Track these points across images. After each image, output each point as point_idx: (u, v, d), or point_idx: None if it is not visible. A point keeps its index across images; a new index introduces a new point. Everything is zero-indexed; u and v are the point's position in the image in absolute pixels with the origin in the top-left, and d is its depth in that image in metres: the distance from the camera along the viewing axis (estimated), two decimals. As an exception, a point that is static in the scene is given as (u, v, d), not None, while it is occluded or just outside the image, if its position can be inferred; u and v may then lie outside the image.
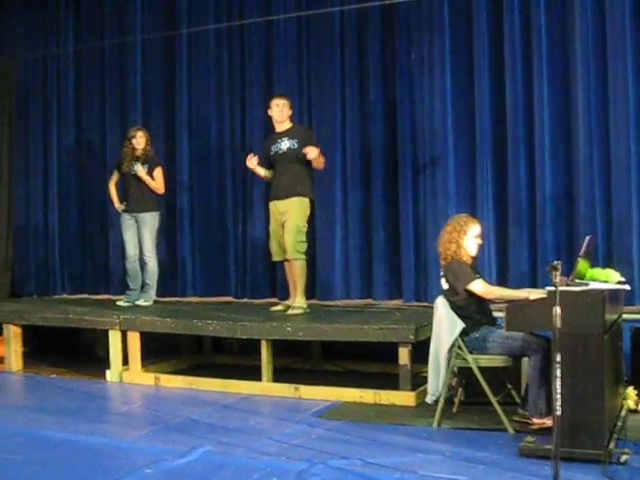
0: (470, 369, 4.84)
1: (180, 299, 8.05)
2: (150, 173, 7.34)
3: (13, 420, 5.34)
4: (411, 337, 5.53)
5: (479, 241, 5.06)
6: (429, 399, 5.02)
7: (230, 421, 5.18)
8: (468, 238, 4.98)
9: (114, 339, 6.62)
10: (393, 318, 6.14)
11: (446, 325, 4.87)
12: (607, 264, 5.70)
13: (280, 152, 6.65)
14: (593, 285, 4.43)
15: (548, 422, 4.35)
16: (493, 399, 4.78)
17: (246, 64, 7.85)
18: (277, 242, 6.71)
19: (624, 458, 4.07)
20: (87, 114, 8.68)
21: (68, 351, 7.82)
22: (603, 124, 6.26)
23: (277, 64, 7.67)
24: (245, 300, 7.84)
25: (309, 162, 6.56)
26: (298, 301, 6.63)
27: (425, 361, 5.07)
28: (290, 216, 6.55)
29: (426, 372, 5.08)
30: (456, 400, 5.27)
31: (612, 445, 4.13)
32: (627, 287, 5.00)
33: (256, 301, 7.72)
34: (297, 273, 6.61)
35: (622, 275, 4.99)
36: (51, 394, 6.21)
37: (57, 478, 4.10)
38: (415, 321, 5.78)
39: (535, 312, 4.23)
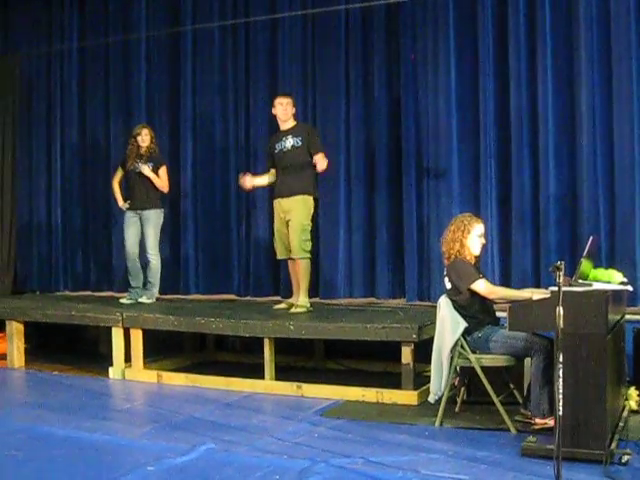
0: (473, 369, 4.83)
1: (183, 297, 8.05)
2: (155, 171, 7.32)
3: (15, 417, 5.34)
4: (414, 336, 5.53)
5: (483, 240, 5.06)
6: (431, 398, 5.01)
7: (232, 419, 5.18)
8: (472, 237, 4.96)
9: (117, 336, 6.62)
10: (396, 317, 6.13)
11: (449, 324, 4.87)
12: (610, 265, 5.70)
13: (284, 150, 6.65)
14: (596, 286, 4.44)
15: (550, 422, 4.34)
16: (495, 399, 4.78)
17: (251, 62, 7.84)
18: (281, 240, 6.72)
19: (626, 458, 4.06)
20: (91, 111, 8.67)
21: (70, 348, 7.84)
22: (607, 125, 6.26)
23: (282, 62, 7.67)
24: (248, 298, 7.84)
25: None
26: (301, 299, 6.63)
27: (428, 360, 5.07)
28: (294, 215, 6.55)
29: (429, 371, 5.08)
30: (458, 399, 5.27)
31: (614, 445, 4.13)
32: (630, 288, 5.00)
33: (259, 299, 7.72)
34: (302, 272, 6.61)
35: (625, 276, 4.99)
36: (53, 391, 6.21)
37: (59, 475, 4.10)
38: (418, 320, 5.78)
39: (538, 312, 4.23)
